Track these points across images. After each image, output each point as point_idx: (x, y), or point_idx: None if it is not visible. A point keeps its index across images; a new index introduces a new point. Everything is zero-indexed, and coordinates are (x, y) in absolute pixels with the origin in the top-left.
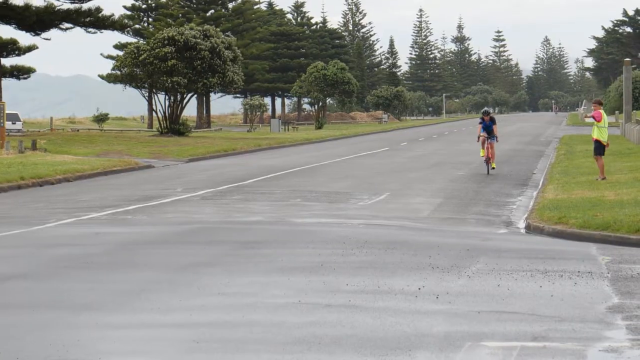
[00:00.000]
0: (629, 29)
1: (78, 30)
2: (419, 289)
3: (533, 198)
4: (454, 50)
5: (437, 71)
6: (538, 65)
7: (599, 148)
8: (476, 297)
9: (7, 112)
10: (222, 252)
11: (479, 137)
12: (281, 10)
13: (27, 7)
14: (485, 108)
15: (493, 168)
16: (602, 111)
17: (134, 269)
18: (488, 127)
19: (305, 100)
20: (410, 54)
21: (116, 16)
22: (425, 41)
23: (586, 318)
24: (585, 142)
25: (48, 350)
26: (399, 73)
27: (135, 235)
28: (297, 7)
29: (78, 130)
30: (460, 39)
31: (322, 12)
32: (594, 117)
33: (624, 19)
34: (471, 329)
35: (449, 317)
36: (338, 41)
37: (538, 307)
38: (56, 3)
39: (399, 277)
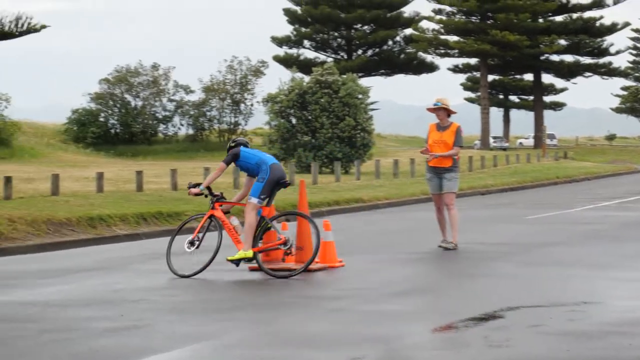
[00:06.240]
0: None
1: (595, 77)
2: None
3: None
4: None
5: None
6: None
7: None
8: None
9: (547, 132)
10: None
11: None
12: None
13: (561, 62)
14: None
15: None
16: None
17: (634, 241)
18: None
19: None
20: None
21: (622, 67)
22: None
23: None
24: None
25: (563, 296)
26: None
27: (635, 217)
28: None
29: (594, 146)
30: None
31: None
32: None
33: None
34: None
35: None
36: None
37: None
38: (581, 59)
39: None
